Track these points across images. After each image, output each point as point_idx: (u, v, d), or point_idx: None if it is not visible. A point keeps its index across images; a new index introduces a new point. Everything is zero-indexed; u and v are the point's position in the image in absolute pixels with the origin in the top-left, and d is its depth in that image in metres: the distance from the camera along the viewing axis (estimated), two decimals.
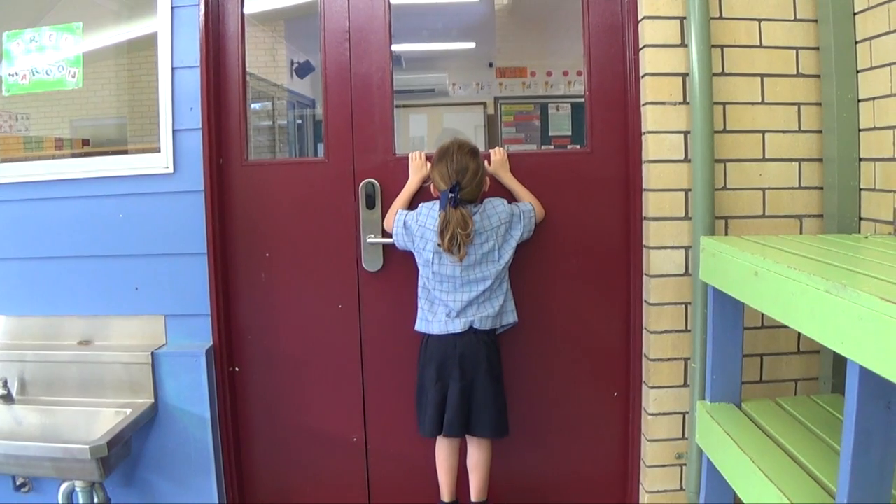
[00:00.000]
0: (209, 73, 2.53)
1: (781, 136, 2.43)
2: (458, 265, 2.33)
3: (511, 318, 2.45)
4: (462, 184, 2.30)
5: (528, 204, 2.47)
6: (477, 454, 2.48)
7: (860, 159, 2.32)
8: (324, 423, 2.72)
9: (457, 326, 2.37)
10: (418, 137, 5.69)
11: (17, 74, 2.63)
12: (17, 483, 2.58)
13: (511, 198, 2.50)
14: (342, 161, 2.61)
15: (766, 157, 2.44)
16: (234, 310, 2.67)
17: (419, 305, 2.46)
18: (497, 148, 2.56)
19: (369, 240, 2.59)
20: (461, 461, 2.52)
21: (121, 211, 2.57)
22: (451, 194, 2.28)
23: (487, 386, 2.38)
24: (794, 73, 2.42)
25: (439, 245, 2.31)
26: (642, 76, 2.45)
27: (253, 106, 4.66)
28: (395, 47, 2.63)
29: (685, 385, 2.50)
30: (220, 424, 2.61)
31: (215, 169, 2.57)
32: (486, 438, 2.46)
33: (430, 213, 2.38)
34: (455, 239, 2.28)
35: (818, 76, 2.41)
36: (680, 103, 2.41)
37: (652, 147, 2.43)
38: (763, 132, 2.43)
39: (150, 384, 2.51)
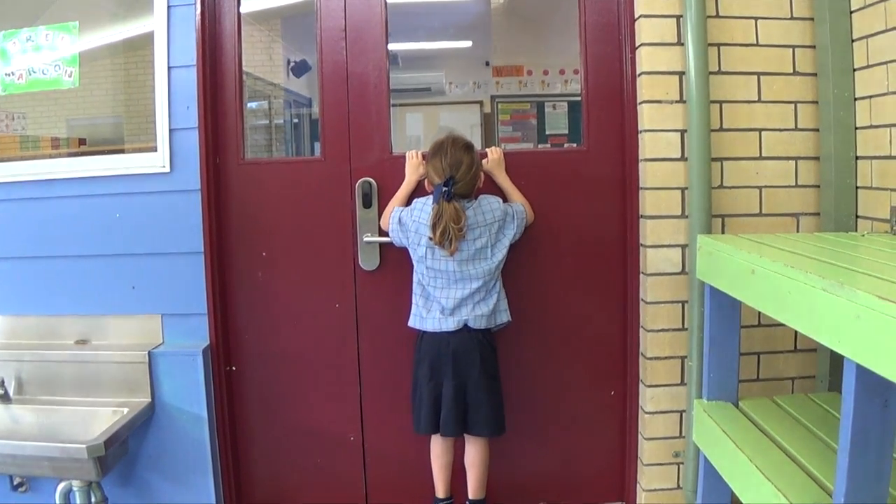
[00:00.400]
0: (206, 72, 2.52)
1: (778, 135, 2.44)
2: (452, 261, 2.33)
3: (504, 317, 2.45)
4: (456, 177, 2.30)
5: (520, 205, 2.47)
6: (474, 452, 2.48)
7: (857, 157, 2.32)
8: (321, 421, 2.72)
9: (450, 325, 2.36)
10: (415, 136, 5.70)
11: (13, 74, 2.63)
12: (15, 483, 2.57)
13: (503, 197, 2.50)
14: (339, 160, 2.61)
15: (763, 155, 2.44)
16: (231, 309, 2.67)
17: (413, 301, 2.46)
18: (493, 147, 2.56)
19: (366, 239, 2.58)
20: (457, 458, 2.52)
21: (117, 210, 2.57)
22: (444, 188, 2.28)
23: (482, 385, 2.38)
24: (791, 71, 2.42)
25: (430, 239, 2.31)
26: (639, 75, 2.46)
27: (249, 105, 4.65)
28: (392, 46, 2.62)
29: (682, 383, 2.50)
30: (216, 423, 2.61)
31: (212, 168, 2.56)
32: (482, 437, 2.46)
33: (423, 208, 2.38)
34: (447, 232, 2.28)
35: (815, 74, 2.41)
36: (676, 102, 2.41)
37: (648, 145, 2.43)
38: (760, 130, 2.43)
39: (147, 383, 2.51)
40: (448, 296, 2.36)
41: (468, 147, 2.37)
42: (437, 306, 2.39)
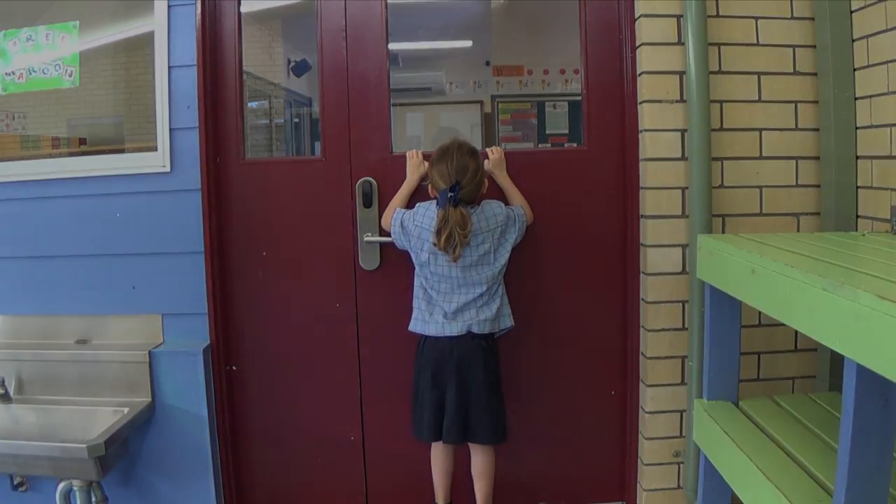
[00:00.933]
0: (206, 71, 2.52)
1: (778, 134, 2.44)
2: (455, 267, 2.32)
3: (508, 322, 2.43)
4: (462, 183, 2.28)
5: (520, 208, 2.46)
6: (481, 461, 2.47)
7: (857, 157, 2.32)
8: (321, 421, 2.72)
9: (454, 329, 2.35)
10: (415, 136, 5.68)
11: (13, 73, 2.63)
12: (15, 482, 2.57)
13: (501, 197, 2.50)
14: (339, 159, 2.61)
15: (763, 155, 2.44)
16: (232, 308, 2.66)
17: (415, 305, 2.44)
18: (494, 147, 2.55)
19: (366, 238, 2.58)
20: (458, 463, 2.52)
21: (118, 210, 2.57)
22: (450, 193, 2.27)
23: (484, 392, 2.36)
24: (791, 71, 2.42)
25: (435, 244, 2.30)
26: (639, 74, 2.45)
27: (250, 104, 4.64)
28: (392, 46, 2.62)
29: (682, 383, 2.50)
30: (217, 423, 2.61)
31: (212, 167, 2.56)
32: (485, 445, 2.45)
33: (426, 213, 2.37)
34: (452, 238, 2.27)
35: (815, 74, 2.41)
36: (677, 101, 2.41)
37: (649, 145, 2.43)
38: (760, 130, 2.43)
39: (148, 383, 2.51)
40: (451, 300, 2.35)
41: (473, 152, 2.36)
42: (439, 311, 2.37)
